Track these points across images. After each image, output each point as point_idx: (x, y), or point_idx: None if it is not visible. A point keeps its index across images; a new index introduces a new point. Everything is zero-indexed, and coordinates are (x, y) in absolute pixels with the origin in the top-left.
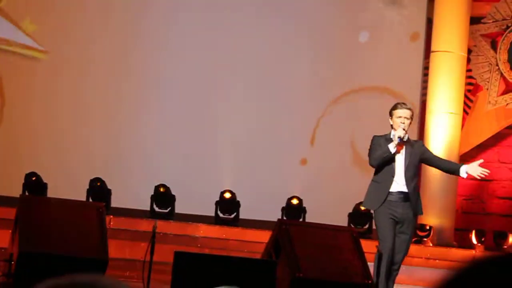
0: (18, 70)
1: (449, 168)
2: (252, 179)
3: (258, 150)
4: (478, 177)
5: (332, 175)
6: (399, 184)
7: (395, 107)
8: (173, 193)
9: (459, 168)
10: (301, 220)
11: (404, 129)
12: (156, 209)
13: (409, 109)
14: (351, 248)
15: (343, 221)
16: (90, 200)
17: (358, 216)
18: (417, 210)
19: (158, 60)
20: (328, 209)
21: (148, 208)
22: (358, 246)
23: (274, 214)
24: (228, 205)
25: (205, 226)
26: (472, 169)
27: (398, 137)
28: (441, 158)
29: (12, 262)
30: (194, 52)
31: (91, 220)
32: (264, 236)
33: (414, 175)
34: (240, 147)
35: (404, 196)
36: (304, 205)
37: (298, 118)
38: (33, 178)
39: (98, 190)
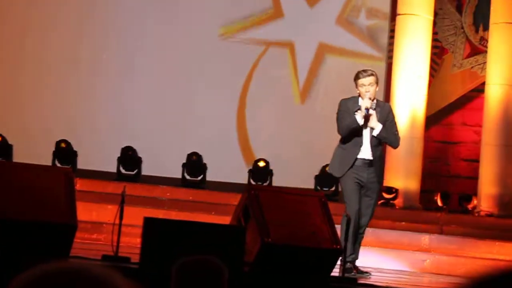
0: None
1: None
2: (219, 141)
3: (225, 110)
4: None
5: (300, 137)
6: (365, 151)
7: (357, 76)
8: (140, 155)
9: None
10: (268, 182)
11: (370, 98)
12: (123, 171)
13: (372, 74)
14: (320, 213)
15: (309, 184)
16: (56, 162)
17: (325, 178)
18: (380, 177)
19: (137, 28)
20: (295, 171)
21: (114, 170)
22: (327, 211)
23: (240, 176)
24: (195, 168)
25: (172, 188)
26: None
27: (365, 108)
28: (390, 130)
29: None
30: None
31: (59, 185)
32: (231, 199)
33: (380, 142)
34: (207, 107)
35: (369, 162)
36: (270, 168)
37: (267, 81)
38: None
39: (64, 152)
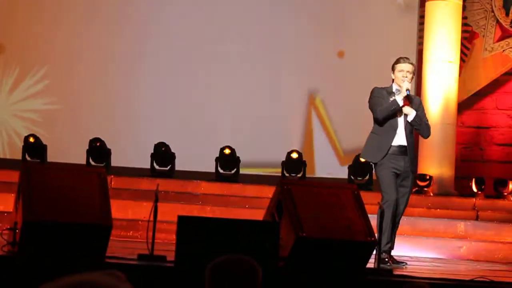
0: None
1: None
2: (252, 134)
3: (256, 105)
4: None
5: (332, 129)
6: (400, 137)
7: (397, 61)
8: (173, 151)
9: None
10: (301, 174)
11: (409, 82)
12: (157, 167)
13: (412, 63)
14: (353, 205)
15: (343, 174)
16: (91, 160)
17: (359, 168)
18: (414, 166)
19: (158, 25)
20: (330, 161)
21: (148, 167)
22: (360, 203)
23: (274, 169)
24: (228, 161)
25: (206, 183)
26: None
27: (407, 89)
28: (422, 119)
29: (17, 231)
30: (192, 15)
31: (93, 185)
32: (265, 191)
33: (412, 130)
34: (238, 102)
35: (404, 150)
36: (304, 159)
37: (296, 73)
38: (32, 140)
39: (98, 150)
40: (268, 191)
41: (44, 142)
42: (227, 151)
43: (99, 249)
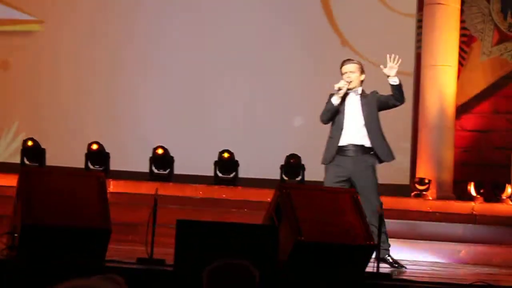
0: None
1: (393, 95)
2: (250, 137)
3: (255, 108)
4: (394, 68)
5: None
6: (348, 136)
7: (341, 65)
8: (171, 154)
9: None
10: (300, 178)
11: (347, 81)
12: (155, 171)
13: (356, 63)
14: (352, 209)
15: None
16: (89, 164)
17: None
18: (382, 157)
19: (159, 28)
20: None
21: (147, 170)
22: (359, 207)
23: (273, 172)
24: (227, 165)
25: (205, 187)
26: (387, 69)
27: (338, 88)
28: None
29: (16, 235)
30: (193, 19)
31: (92, 190)
32: (264, 195)
33: (371, 126)
34: (237, 106)
35: (356, 149)
36: (302, 163)
37: (293, 76)
38: (30, 144)
39: (97, 154)
40: (267, 195)
41: (43, 146)
42: (226, 154)
43: (98, 253)
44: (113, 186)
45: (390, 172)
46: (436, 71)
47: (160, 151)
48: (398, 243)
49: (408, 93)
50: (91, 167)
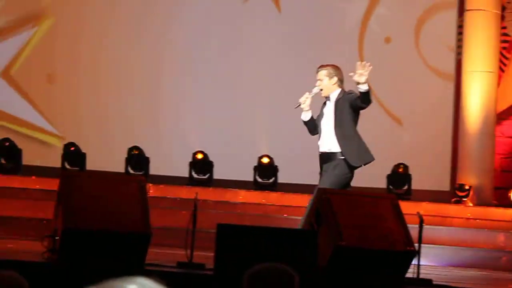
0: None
1: (359, 98)
2: (290, 143)
3: (294, 113)
4: (363, 75)
5: (372, 137)
6: (323, 145)
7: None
8: (210, 159)
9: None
10: None
11: (312, 93)
12: (195, 175)
13: (322, 69)
14: (392, 215)
15: (381, 183)
16: (129, 169)
17: (397, 178)
18: (350, 162)
19: (201, 33)
20: (367, 171)
21: (187, 175)
22: (399, 212)
23: (312, 177)
24: (266, 170)
25: (244, 192)
26: (357, 76)
27: (299, 103)
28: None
29: (57, 238)
30: (234, 27)
31: (133, 194)
32: (303, 200)
33: (340, 131)
34: (276, 111)
35: (328, 156)
36: None
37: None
38: (72, 148)
39: (137, 158)
40: (307, 200)
41: (83, 151)
42: (265, 159)
43: (138, 257)
44: (153, 191)
45: (431, 179)
46: (476, 77)
47: (199, 156)
48: (438, 249)
49: (449, 99)
50: (131, 171)
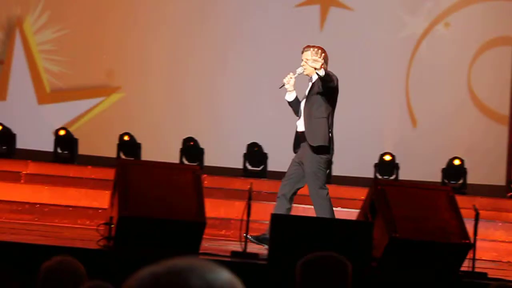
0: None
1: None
2: (345, 136)
3: (350, 106)
4: (318, 61)
5: (425, 130)
6: (300, 124)
7: (301, 52)
8: (265, 151)
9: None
10: (394, 176)
11: (297, 73)
12: (249, 167)
13: (310, 50)
14: (448, 207)
15: (436, 177)
16: (184, 159)
17: (452, 171)
18: (309, 141)
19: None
20: (422, 164)
21: (241, 166)
22: (455, 205)
23: (366, 171)
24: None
25: None
26: (312, 63)
27: (283, 84)
28: None
29: (112, 226)
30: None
31: (188, 183)
32: (358, 193)
33: (308, 111)
34: None
35: (302, 135)
36: (396, 161)
37: (384, 69)
38: (127, 138)
39: (191, 149)
40: (361, 193)
41: (138, 141)
42: None
43: (193, 246)
44: (207, 182)
45: (486, 173)
46: None
47: (254, 147)
48: (494, 244)
49: (505, 93)
50: (186, 162)
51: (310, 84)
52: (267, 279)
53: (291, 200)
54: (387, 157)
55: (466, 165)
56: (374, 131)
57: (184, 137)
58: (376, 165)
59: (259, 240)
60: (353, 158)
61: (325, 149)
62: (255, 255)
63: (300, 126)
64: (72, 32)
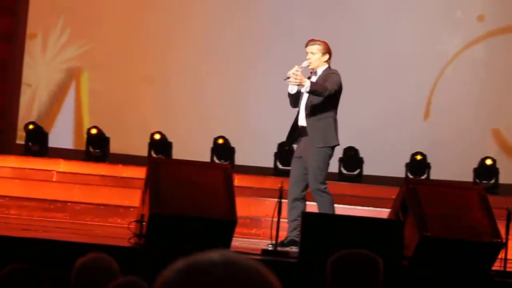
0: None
1: None
2: (375, 135)
3: (380, 107)
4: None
5: (457, 130)
6: (302, 118)
7: (305, 45)
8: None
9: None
10: (425, 176)
11: (302, 66)
12: (280, 166)
13: (317, 44)
14: (479, 206)
15: (468, 177)
16: (215, 158)
17: (484, 171)
18: (313, 142)
19: (293, 27)
20: (453, 164)
21: (272, 166)
22: (486, 204)
23: (398, 170)
24: (351, 162)
25: (329, 183)
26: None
27: (288, 76)
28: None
29: (143, 223)
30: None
31: (219, 181)
32: (388, 192)
33: (311, 108)
34: (361, 103)
35: (304, 130)
36: (428, 161)
37: (418, 73)
38: (158, 137)
39: (222, 148)
40: (391, 192)
41: (170, 140)
42: (350, 152)
43: (224, 244)
44: (238, 180)
45: None
46: None
47: (285, 147)
48: None
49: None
50: (217, 161)
51: (315, 78)
52: (298, 277)
53: (304, 199)
54: (418, 157)
55: (498, 165)
56: (405, 132)
57: (215, 136)
58: (407, 165)
59: (284, 245)
60: (384, 158)
61: (331, 146)
62: (286, 253)
63: (302, 120)
64: (97, 46)
